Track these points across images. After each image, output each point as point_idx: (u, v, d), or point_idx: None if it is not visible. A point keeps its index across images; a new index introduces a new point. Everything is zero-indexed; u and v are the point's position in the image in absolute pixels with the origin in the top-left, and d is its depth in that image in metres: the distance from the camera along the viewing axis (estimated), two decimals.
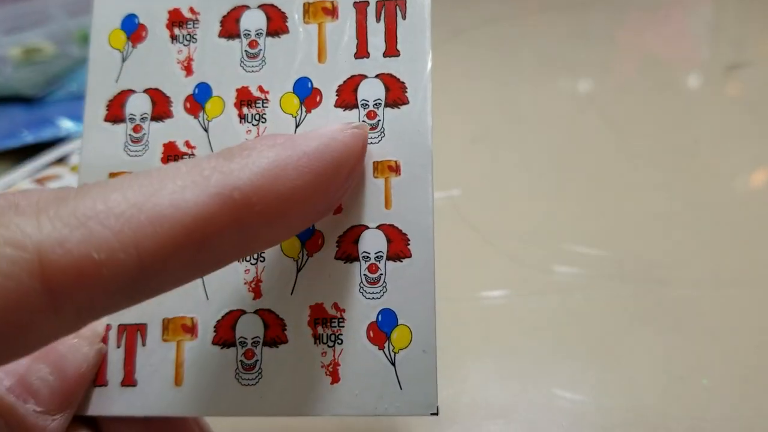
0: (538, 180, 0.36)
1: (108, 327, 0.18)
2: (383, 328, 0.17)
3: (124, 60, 0.19)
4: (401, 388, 0.17)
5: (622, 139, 0.38)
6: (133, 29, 0.19)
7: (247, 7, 0.19)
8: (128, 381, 0.18)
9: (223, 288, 0.18)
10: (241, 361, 0.18)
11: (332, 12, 0.19)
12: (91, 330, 0.18)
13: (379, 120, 0.18)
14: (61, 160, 0.36)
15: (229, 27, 0.19)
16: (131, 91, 0.19)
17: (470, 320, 0.28)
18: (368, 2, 0.19)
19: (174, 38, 0.19)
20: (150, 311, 0.18)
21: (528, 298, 0.28)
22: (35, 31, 0.41)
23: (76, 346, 0.17)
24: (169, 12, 0.19)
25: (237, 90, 0.19)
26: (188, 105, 0.19)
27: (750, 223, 0.32)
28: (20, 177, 0.33)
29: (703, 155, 0.36)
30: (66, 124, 0.39)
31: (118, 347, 0.18)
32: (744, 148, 0.37)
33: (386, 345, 0.17)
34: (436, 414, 0.17)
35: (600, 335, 0.27)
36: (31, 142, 0.38)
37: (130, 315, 0.18)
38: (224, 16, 0.19)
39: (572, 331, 0.27)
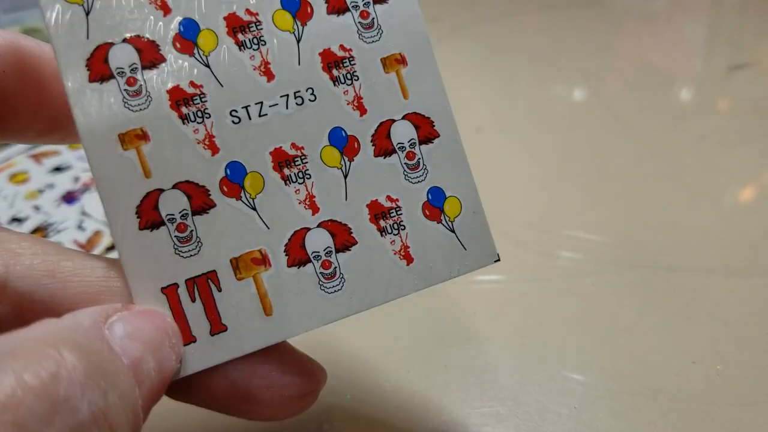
0: (543, 170, 0.36)
1: (175, 286, 0.18)
2: (435, 203, 0.19)
3: (87, 14, 0.18)
4: (465, 249, 0.20)
5: (627, 133, 0.39)
6: None
7: None
8: (217, 328, 0.18)
9: (279, 214, 0.19)
10: (321, 273, 0.19)
11: None
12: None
13: (373, 18, 0.19)
14: None
15: None
16: (110, 44, 0.18)
17: (476, 305, 0.28)
18: None
19: None
20: (213, 257, 0.18)
21: (535, 282, 0.29)
22: (34, 12, 0.40)
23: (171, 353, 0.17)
24: None
25: (224, 18, 0.18)
26: (178, 45, 0.18)
27: (757, 216, 0.33)
28: (16, 152, 0.30)
29: (709, 151, 0.38)
30: None
31: (194, 301, 0.18)
32: (749, 146, 0.38)
33: (442, 217, 0.19)
34: (498, 260, 0.20)
35: (609, 319, 0.28)
36: None
37: (194, 267, 0.18)
38: None
39: (581, 315, 0.28)
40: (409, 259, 0.19)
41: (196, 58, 0.18)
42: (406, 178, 0.19)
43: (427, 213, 0.19)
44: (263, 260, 0.18)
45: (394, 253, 0.19)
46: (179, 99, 0.18)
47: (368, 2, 0.19)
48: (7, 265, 0.17)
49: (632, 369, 0.26)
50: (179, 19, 0.18)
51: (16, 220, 0.29)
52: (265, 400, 0.18)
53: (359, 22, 0.19)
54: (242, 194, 0.18)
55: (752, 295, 0.29)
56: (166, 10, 0.18)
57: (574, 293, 0.29)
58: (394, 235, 0.19)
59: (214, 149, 0.18)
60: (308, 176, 0.19)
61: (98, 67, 0.18)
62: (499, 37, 0.50)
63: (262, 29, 0.19)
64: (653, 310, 0.28)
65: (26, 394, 0.12)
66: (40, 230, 0.28)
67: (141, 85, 0.18)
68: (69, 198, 0.29)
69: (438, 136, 0.20)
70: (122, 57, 0.18)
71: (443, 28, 0.50)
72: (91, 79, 0.18)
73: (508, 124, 0.42)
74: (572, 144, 0.40)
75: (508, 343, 0.27)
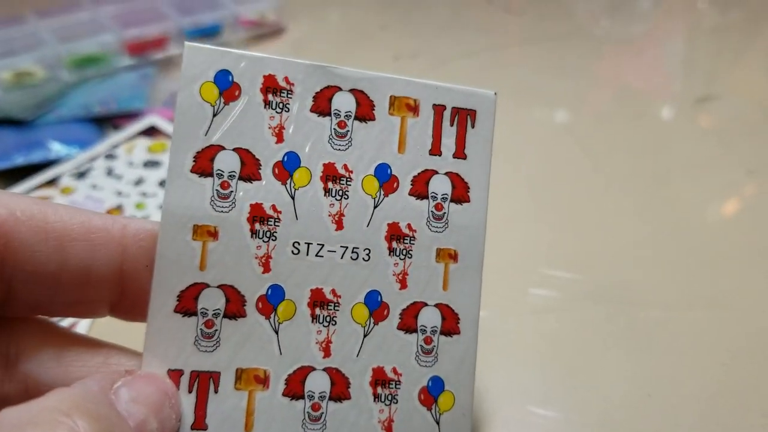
0: (515, 207, 0.37)
1: (180, 372, 0.19)
2: (432, 392, 0.21)
3: (215, 114, 0.20)
4: None
5: (597, 167, 0.41)
6: (226, 86, 0.20)
7: (339, 88, 0.21)
8: (199, 425, 0.19)
9: (295, 345, 0.20)
10: (308, 412, 0.20)
11: (414, 109, 0.21)
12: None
13: (444, 213, 0.21)
14: (51, 182, 0.37)
15: (321, 104, 0.21)
16: (221, 147, 0.20)
17: None
18: (445, 107, 0.22)
19: (267, 104, 0.20)
20: (225, 361, 0.20)
21: (504, 318, 0.30)
22: (26, 56, 0.43)
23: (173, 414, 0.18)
24: (265, 77, 0.20)
25: (324, 165, 0.21)
26: (277, 171, 0.20)
27: (718, 249, 0.35)
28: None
29: (675, 183, 0.39)
30: (56, 147, 0.39)
31: (190, 392, 0.19)
32: (714, 177, 0.40)
33: (433, 407, 0.21)
34: None
35: (573, 354, 0.29)
36: (22, 164, 0.38)
37: (204, 363, 0.19)
38: (317, 93, 0.21)
39: (546, 350, 0.29)
40: (388, 431, 0.20)
41: (286, 188, 0.20)
42: (417, 358, 0.21)
43: (422, 398, 0.21)
44: (264, 381, 0.20)
45: (378, 422, 0.20)
46: (257, 216, 0.20)
47: (446, 197, 0.22)
48: (18, 350, 0.18)
49: (593, 402, 0.27)
50: (287, 150, 0.20)
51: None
52: None
53: (432, 211, 0.21)
54: (272, 316, 0.20)
55: (710, 326, 0.30)
56: (279, 138, 0.20)
57: (540, 329, 0.30)
58: (386, 405, 0.20)
59: (267, 268, 0.20)
60: (334, 323, 0.20)
61: (203, 163, 0.20)
62: (480, 71, 0.51)
63: (350, 185, 0.21)
64: (615, 345, 0.29)
65: None
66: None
67: (232, 191, 0.20)
68: None
69: (459, 333, 0.21)
70: (227, 162, 0.20)
71: (421, 65, 0.51)
72: (193, 170, 0.20)
73: None
74: (544, 181, 0.41)
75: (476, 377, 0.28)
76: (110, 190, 0.36)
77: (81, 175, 0.37)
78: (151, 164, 0.38)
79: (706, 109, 0.47)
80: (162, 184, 0.35)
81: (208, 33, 0.49)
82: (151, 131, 0.41)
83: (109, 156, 0.38)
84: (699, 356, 0.29)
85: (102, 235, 0.19)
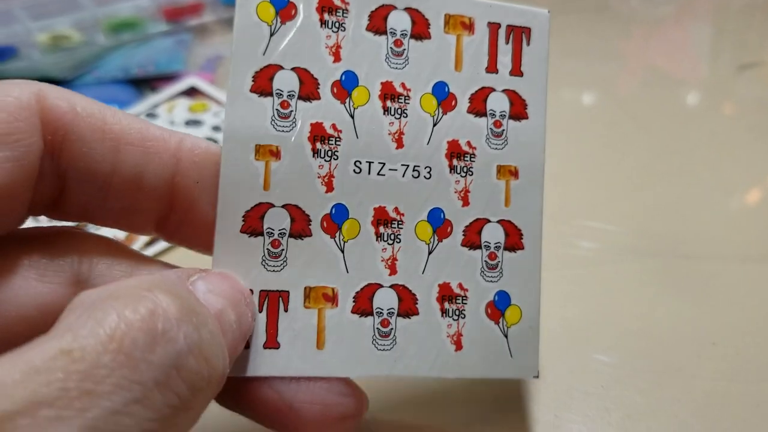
0: (559, 166, 0.35)
1: (250, 291, 0.19)
2: (499, 306, 0.21)
3: (272, 34, 0.20)
4: (512, 356, 0.21)
5: (640, 131, 0.40)
6: (282, 5, 0.20)
7: (394, 7, 0.21)
8: (271, 343, 0.19)
9: (362, 263, 0.20)
10: (377, 329, 0.20)
11: (469, 27, 0.21)
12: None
13: (503, 130, 0.21)
14: None
15: (377, 23, 0.21)
16: (279, 67, 0.20)
17: None
18: (500, 24, 0.22)
19: (323, 23, 0.20)
20: (293, 280, 0.20)
21: (559, 271, 0.30)
22: (63, 18, 0.43)
23: (248, 310, 0.18)
24: None
25: (382, 83, 0.21)
26: (335, 90, 0.20)
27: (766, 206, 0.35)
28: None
29: (719, 147, 0.39)
30: None
31: (260, 312, 0.19)
32: (760, 142, 0.39)
33: (501, 321, 0.21)
34: (537, 377, 0.21)
35: (631, 305, 0.29)
36: None
37: (272, 282, 0.19)
38: (372, 12, 0.21)
39: (604, 300, 0.29)
40: (458, 346, 0.20)
41: (345, 107, 0.20)
42: (482, 274, 0.21)
43: (489, 312, 0.21)
44: (333, 299, 0.20)
45: (447, 336, 0.20)
46: (318, 135, 0.20)
47: (504, 114, 0.21)
48: (91, 266, 0.18)
49: (655, 350, 0.27)
50: (344, 69, 0.20)
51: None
52: (307, 415, 0.19)
53: (491, 128, 0.21)
54: (337, 234, 0.20)
55: (766, 279, 0.30)
56: (336, 57, 0.20)
57: (596, 281, 0.30)
58: (453, 320, 0.20)
59: (330, 187, 0.20)
60: (398, 240, 0.20)
61: (262, 82, 0.20)
62: None
63: (408, 104, 0.21)
64: (672, 296, 0.29)
65: (129, 327, 0.13)
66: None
67: (292, 111, 0.20)
68: None
69: (522, 248, 0.21)
70: (286, 81, 0.20)
71: None
72: (252, 90, 0.20)
73: None
74: (587, 141, 0.41)
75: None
76: None
77: None
78: (192, 122, 0.38)
79: (746, 76, 0.47)
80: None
81: None
82: (191, 92, 0.41)
83: (150, 115, 0.38)
84: (757, 308, 0.29)
85: (157, 144, 0.19)
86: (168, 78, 0.43)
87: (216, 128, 0.37)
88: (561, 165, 0.36)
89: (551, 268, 0.30)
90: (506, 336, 0.21)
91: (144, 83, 0.43)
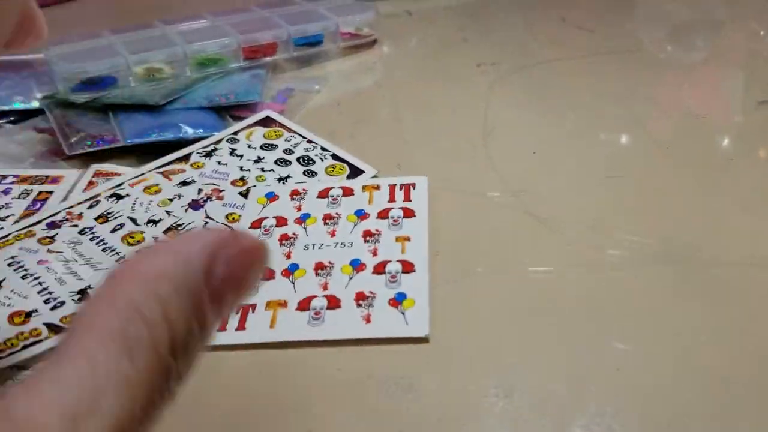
0: (593, 185, 0.39)
1: None
2: (398, 299, 0.30)
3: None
4: (407, 324, 0.29)
5: (667, 155, 0.43)
6: None
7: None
8: (241, 327, 0.29)
9: (305, 288, 0.31)
10: (312, 317, 0.30)
11: (377, 187, 0.37)
12: None
13: (400, 224, 0.34)
14: (183, 158, 0.43)
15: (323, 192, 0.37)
16: (266, 217, 0.36)
17: (528, 290, 0.32)
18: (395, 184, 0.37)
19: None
20: (260, 298, 0.31)
21: (585, 274, 0.33)
22: (157, 53, 0.51)
23: None
24: None
25: (324, 214, 0.36)
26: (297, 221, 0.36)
27: None
28: (148, 169, 0.41)
29: (742, 171, 0.41)
30: (186, 129, 0.45)
31: (237, 313, 0.30)
32: None
33: (399, 306, 0.30)
34: (427, 338, 0.28)
35: (651, 306, 0.31)
36: (155, 140, 0.44)
37: (248, 299, 0.31)
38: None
39: (626, 303, 0.31)
40: (367, 321, 0.29)
41: (302, 227, 0.35)
42: (386, 284, 0.31)
43: (391, 302, 0.30)
44: (285, 304, 0.30)
45: (360, 317, 0.29)
46: (285, 236, 0.34)
47: (400, 217, 0.35)
48: None
49: (673, 348, 0.28)
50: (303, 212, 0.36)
51: (152, 221, 0.37)
52: None
53: (391, 224, 0.34)
54: (290, 277, 0.32)
55: None
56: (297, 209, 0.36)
57: (618, 284, 0.32)
58: (365, 309, 0.30)
59: (288, 257, 0.33)
60: (329, 275, 0.32)
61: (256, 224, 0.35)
62: (552, 77, 0.54)
63: (339, 219, 0.35)
64: (692, 299, 0.31)
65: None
66: (172, 229, 0.36)
67: (270, 235, 0.35)
68: (195, 205, 0.37)
69: (415, 271, 0.31)
70: (270, 221, 0.35)
71: (501, 70, 0.54)
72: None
73: (561, 148, 0.44)
74: (616, 164, 0.42)
75: (562, 319, 0.30)
76: (234, 165, 0.41)
77: (208, 154, 0.43)
78: (267, 146, 0.43)
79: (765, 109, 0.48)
80: (278, 162, 0.42)
81: (312, 42, 0.56)
82: (265, 120, 0.46)
83: (231, 139, 0.44)
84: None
85: None
86: (245, 106, 0.49)
87: (286, 150, 0.42)
88: (592, 179, 0.40)
89: (580, 272, 0.33)
90: (403, 314, 0.29)
91: (224, 110, 0.49)
